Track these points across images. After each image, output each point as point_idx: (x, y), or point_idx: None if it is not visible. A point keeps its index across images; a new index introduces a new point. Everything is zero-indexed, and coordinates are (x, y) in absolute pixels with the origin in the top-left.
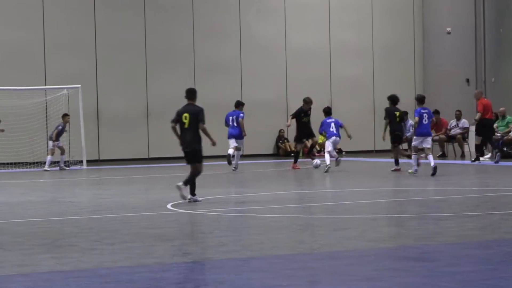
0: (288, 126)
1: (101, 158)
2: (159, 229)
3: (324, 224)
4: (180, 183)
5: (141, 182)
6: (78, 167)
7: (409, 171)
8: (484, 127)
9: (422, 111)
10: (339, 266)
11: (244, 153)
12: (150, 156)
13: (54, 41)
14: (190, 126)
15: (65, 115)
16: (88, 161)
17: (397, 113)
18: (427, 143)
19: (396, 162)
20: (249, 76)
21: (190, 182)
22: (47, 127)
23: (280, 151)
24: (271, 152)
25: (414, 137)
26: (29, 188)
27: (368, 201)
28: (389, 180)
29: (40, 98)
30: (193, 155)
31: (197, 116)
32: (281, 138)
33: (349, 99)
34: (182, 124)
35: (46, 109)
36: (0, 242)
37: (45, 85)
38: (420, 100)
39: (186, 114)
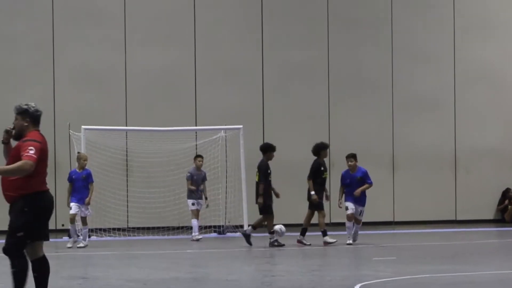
0: None
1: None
2: None
3: None
4: None
5: (320, 255)
6: (237, 234)
7: None
8: None
9: None
10: None
11: (457, 218)
12: (332, 222)
13: (208, 67)
14: None
15: (197, 156)
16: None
17: None
18: None
19: None
20: (466, 114)
21: None
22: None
23: (505, 216)
24: (491, 217)
25: None
26: (174, 261)
27: None
28: None
29: (189, 142)
30: None
31: None
32: (507, 198)
33: None
34: None
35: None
36: None
37: (196, 125)
38: None
39: None
